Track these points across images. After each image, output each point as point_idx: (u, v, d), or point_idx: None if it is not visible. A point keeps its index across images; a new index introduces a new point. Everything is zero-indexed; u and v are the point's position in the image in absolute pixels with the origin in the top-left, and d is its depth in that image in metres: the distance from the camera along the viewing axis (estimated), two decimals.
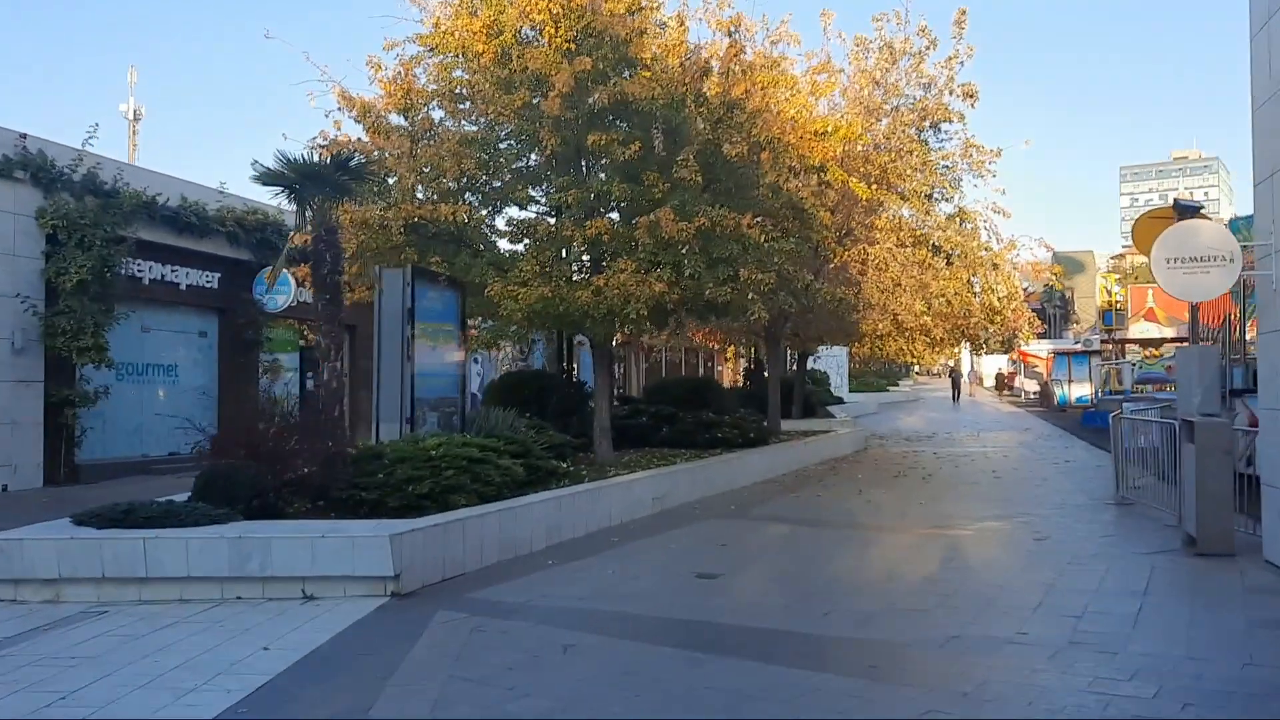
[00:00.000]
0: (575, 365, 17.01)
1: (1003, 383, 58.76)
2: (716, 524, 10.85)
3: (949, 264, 19.06)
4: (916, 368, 73.90)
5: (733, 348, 31.16)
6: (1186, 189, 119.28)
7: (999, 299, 20.24)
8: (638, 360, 41.26)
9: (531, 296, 11.60)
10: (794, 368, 27.24)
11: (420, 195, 12.60)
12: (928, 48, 17.17)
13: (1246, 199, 12.96)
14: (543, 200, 13.32)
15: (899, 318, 20.75)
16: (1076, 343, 40.98)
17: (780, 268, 12.16)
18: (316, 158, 8.99)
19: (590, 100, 11.60)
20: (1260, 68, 8.05)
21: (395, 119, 13.04)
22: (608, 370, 14.08)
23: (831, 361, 39.85)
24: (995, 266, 18.79)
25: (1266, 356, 8.07)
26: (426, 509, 8.65)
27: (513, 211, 13.35)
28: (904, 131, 17.46)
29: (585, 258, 13.28)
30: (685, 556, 9.00)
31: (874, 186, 15.73)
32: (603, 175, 12.63)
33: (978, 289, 20.42)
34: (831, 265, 17.71)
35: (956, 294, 18.55)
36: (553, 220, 12.99)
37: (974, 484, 14.57)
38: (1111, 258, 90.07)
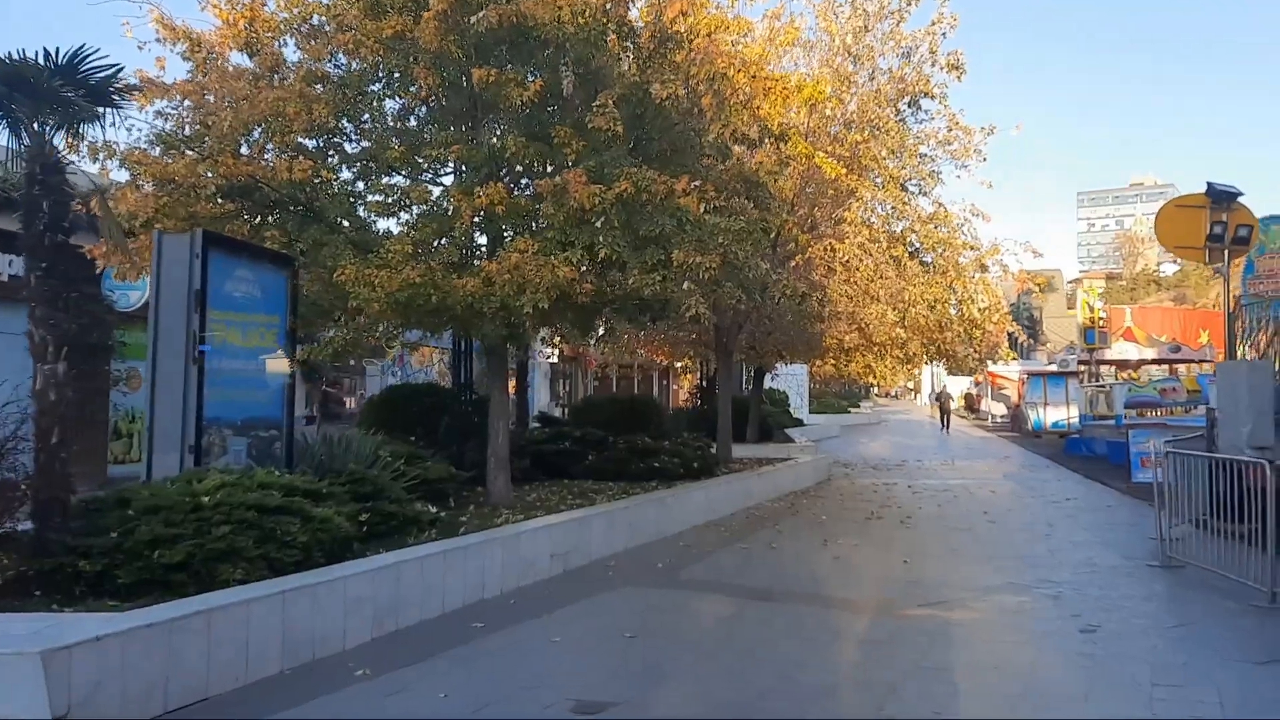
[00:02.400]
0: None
1: (973, 405, 56.24)
2: (632, 596, 7.90)
3: (925, 267, 16.38)
4: (876, 389, 71.52)
5: (685, 361, 28.19)
6: (1144, 214, 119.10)
7: (979, 310, 17.59)
8: (585, 377, 38.26)
9: (394, 283, 8.64)
10: (750, 386, 24.43)
11: (269, 156, 9.71)
12: (907, 4, 14.48)
13: None
14: (425, 165, 10.38)
15: (868, 329, 18.05)
16: (1050, 363, 38.64)
17: (725, 249, 9.30)
18: (35, 57, 6.00)
19: (475, 19, 8.70)
20: None
21: (237, 58, 10.13)
22: (506, 383, 11.12)
23: (791, 380, 37.09)
24: (983, 267, 16.10)
25: None
26: (181, 586, 5.74)
27: (398, 180, 10.48)
28: (879, 108, 14.77)
29: (482, 239, 10.39)
30: (570, 659, 6.06)
31: (844, 171, 13.03)
32: (500, 130, 9.82)
33: (955, 298, 17.79)
34: (794, 262, 14.91)
35: (938, 300, 15.82)
36: (437, 190, 10.10)
37: (965, 530, 11.79)
38: (1070, 282, 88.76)
